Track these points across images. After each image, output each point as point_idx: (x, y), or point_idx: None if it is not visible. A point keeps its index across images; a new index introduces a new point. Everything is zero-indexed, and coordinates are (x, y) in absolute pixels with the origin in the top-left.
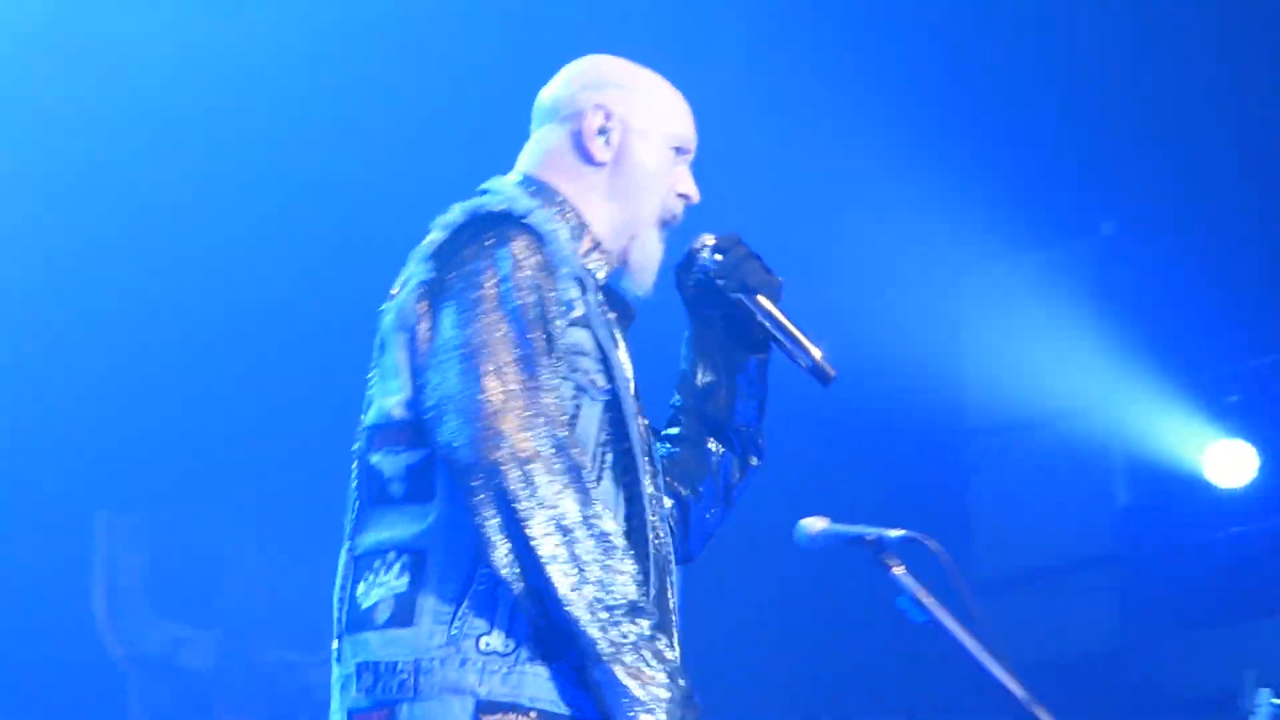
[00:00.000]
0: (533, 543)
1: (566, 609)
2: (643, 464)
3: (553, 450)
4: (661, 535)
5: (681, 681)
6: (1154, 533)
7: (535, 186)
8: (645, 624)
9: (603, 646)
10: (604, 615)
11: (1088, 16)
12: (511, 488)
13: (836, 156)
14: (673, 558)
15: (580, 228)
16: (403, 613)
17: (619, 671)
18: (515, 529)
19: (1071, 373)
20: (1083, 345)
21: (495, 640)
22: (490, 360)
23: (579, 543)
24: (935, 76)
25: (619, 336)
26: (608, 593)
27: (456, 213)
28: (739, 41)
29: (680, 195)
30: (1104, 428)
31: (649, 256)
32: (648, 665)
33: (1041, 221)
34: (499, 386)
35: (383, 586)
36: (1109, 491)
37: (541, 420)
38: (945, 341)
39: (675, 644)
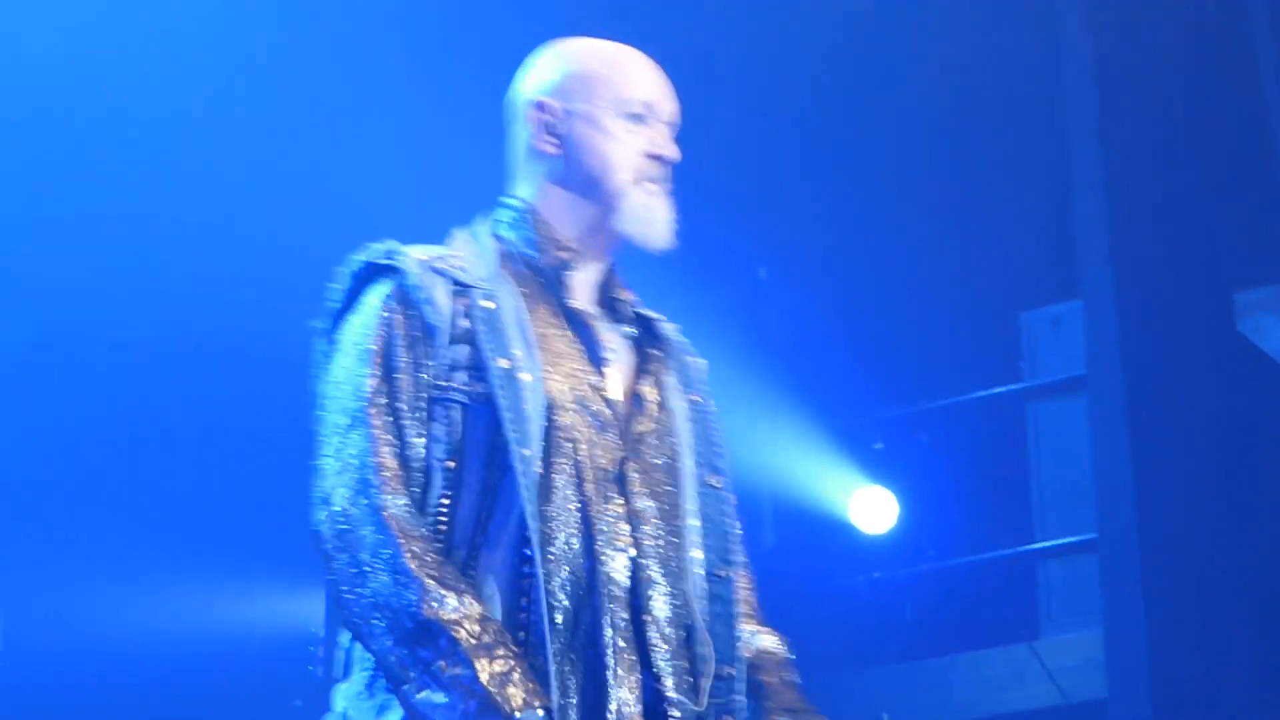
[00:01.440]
0: (342, 590)
1: (368, 645)
2: (560, 467)
3: (366, 507)
4: (605, 552)
5: (487, 699)
6: (798, 575)
7: (502, 203)
8: (440, 646)
9: (395, 671)
10: (388, 641)
11: (742, 60)
12: (325, 547)
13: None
14: (640, 575)
15: (536, 228)
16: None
17: (409, 693)
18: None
19: (722, 415)
20: (735, 389)
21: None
22: (327, 420)
23: (371, 575)
24: None
25: (563, 327)
26: (394, 616)
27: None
28: None
29: (651, 157)
30: (753, 470)
31: (642, 217)
32: (432, 689)
33: (696, 264)
34: (328, 447)
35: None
36: (757, 533)
37: (358, 479)
38: None
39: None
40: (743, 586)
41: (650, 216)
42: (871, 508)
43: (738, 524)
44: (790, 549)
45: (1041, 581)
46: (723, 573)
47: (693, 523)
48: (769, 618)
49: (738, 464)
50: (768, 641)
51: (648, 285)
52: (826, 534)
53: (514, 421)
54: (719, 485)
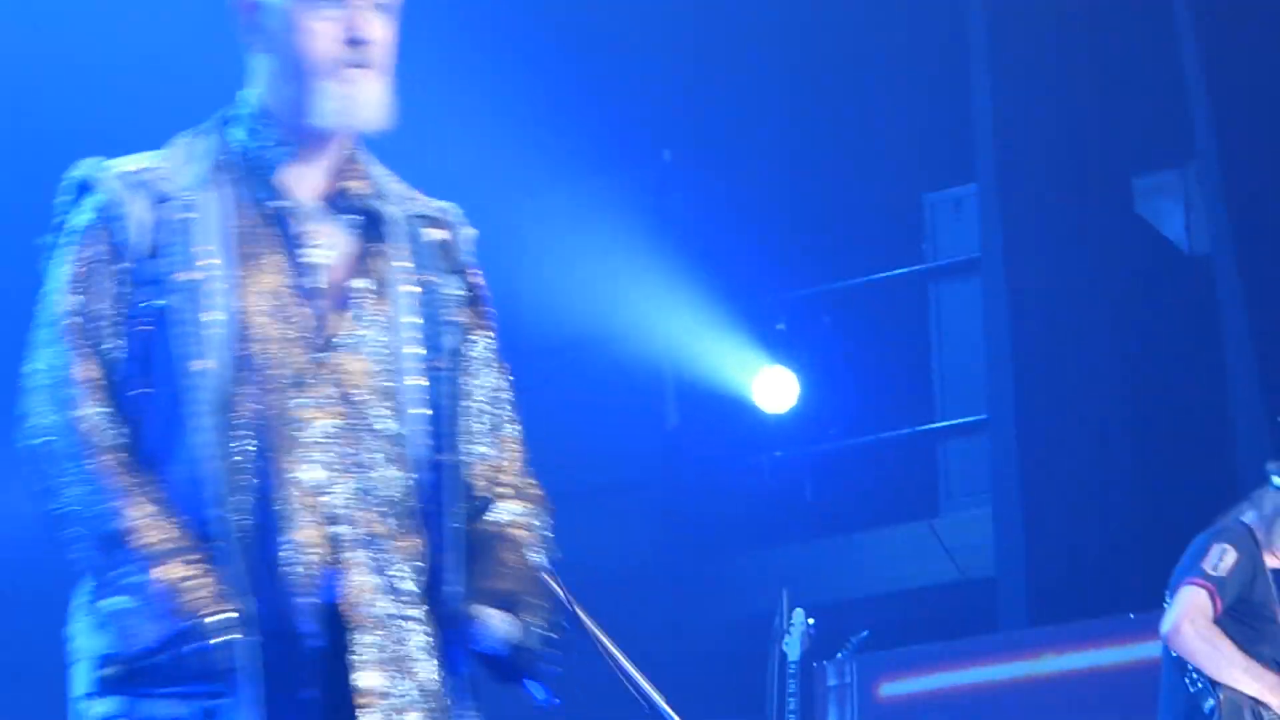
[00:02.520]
0: (47, 503)
1: (70, 555)
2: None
3: (60, 420)
4: (288, 458)
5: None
6: (701, 455)
7: (235, 101)
8: (126, 554)
9: (93, 579)
10: (83, 550)
11: None
12: (31, 461)
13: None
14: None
15: (255, 122)
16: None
17: (97, 598)
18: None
19: (627, 296)
20: (640, 270)
21: None
22: (35, 336)
23: (68, 487)
24: (503, 8)
25: (270, 227)
26: (87, 526)
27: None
28: None
29: (350, 42)
30: (657, 351)
31: (340, 108)
32: (117, 594)
33: (604, 148)
34: (32, 363)
35: None
36: (659, 413)
37: (55, 393)
38: (503, 263)
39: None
40: (485, 466)
41: (348, 105)
42: (774, 387)
43: (477, 403)
44: (693, 429)
45: (940, 460)
46: (448, 458)
47: (416, 411)
48: (669, 497)
49: (642, 345)
50: (504, 514)
51: (548, 169)
52: (729, 413)
53: (189, 335)
54: (443, 367)
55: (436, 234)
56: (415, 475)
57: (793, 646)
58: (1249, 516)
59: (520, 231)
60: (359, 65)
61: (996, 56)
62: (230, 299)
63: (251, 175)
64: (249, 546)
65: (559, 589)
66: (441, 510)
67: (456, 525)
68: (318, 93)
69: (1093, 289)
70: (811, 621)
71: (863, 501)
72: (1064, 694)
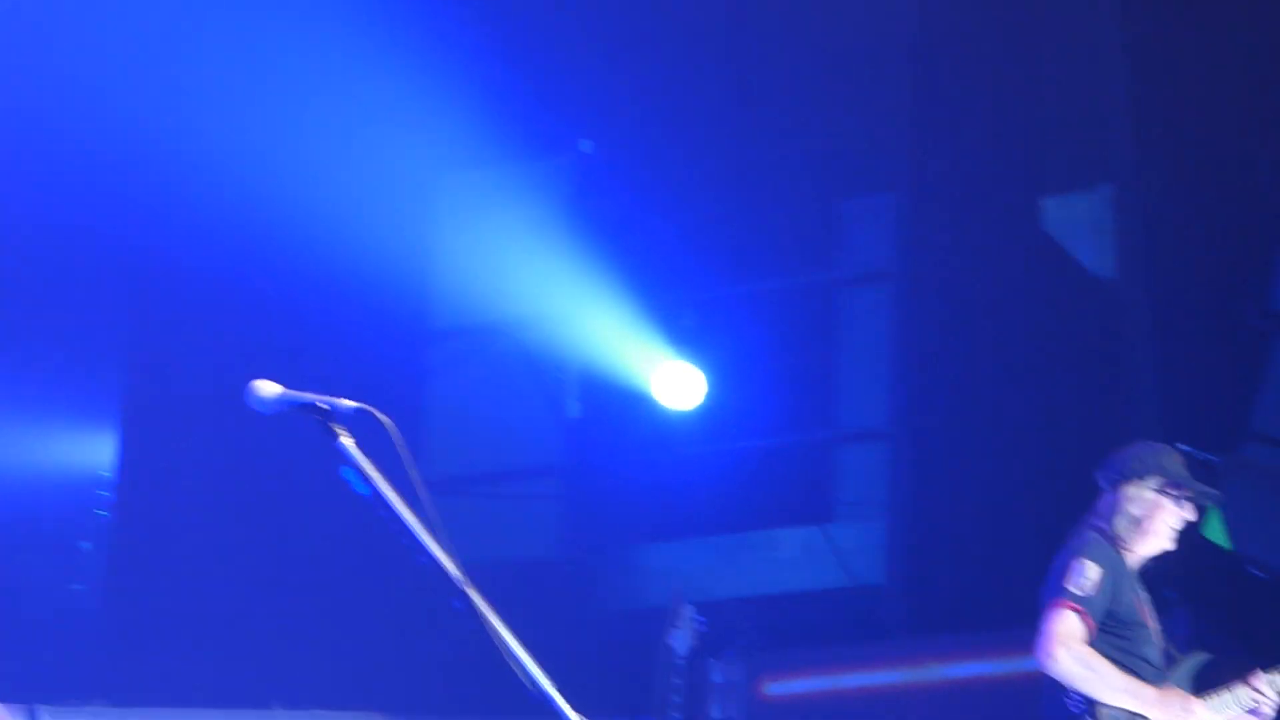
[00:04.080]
0: None
1: None
2: None
3: None
4: None
5: None
6: (602, 447)
7: None
8: None
9: None
10: None
11: None
12: None
13: (312, 57)
14: None
15: None
16: None
17: None
18: None
19: (537, 284)
20: (551, 259)
21: None
22: None
23: None
24: None
25: None
26: None
27: None
28: None
29: None
30: (562, 340)
31: None
32: None
33: (523, 135)
34: None
35: None
36: (561, 403)
37: None
38: (415, 244)
39: None
40: None
41: None
42: (679, 384)
43: None
44: (596, 421)
45: (838, 467)
46: None
47: None
48: (569, 486)
49: (548, 333)
50: None
51: (465, 152)
52: (633, 408)
53: None
54: None
55: None
56: None
57: (680, 641)
58: (1098, 522)
59: (433, 212)
60: None
61: (920, 70)
62: None
63: None
64: None
65: (454, 571)
66: None
67: None
68: None
69: (1000, 305)
70: (701, 618)
71: (759, 502)
72: (946, 703)
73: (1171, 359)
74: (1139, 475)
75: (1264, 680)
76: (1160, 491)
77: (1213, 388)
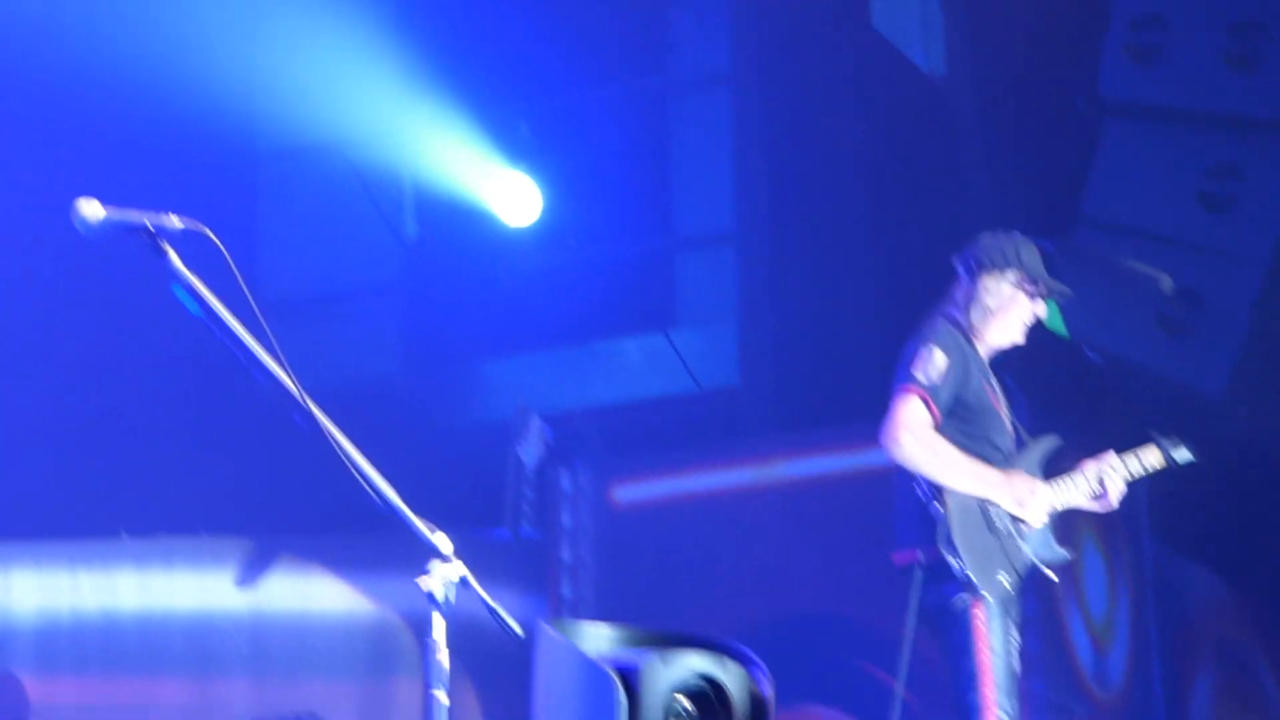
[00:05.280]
0: None
1: None
2: None
3: None
4: None
5: None
6: (440, 265)
7: None
8: None
9: None
10: None
11: None
12: None
13: None
14: None
15: None
16: None
17: None
18: None
19: (368, 101)
20: (381, 75)
21: None
22: None
23: None
24: None
25: None
26: None
27: None
28: None
29: None
30: (396, 158)
31: None
32: None
33: None
34: None
35: None
36: (398, 221)
37: None
38: (240, 59)
39: None
40: None
41: None
42: (514, 197)
43: None
44: (433, 238)
45: (678, 273)
46: None
47: None
48: (409, 306)
49: (378, 152)
50: None
51: None
52: (470, 224)
53: None
54: None
55: None
56: None
57: (529, 453)
58: (951, 310)
59: (257, 26)
60: None
61: None
62: None
63: None
64: None
65: (294, 388)
66: None
67: None
68: None
69: (841, 106)
70: (548, 428)
71: (602, 312)
72: (797, 500)
73: (1003, 148)
74: (998, 267)
75: (1113, 462)
76: (1017, 286)
77: (1044, 175)
